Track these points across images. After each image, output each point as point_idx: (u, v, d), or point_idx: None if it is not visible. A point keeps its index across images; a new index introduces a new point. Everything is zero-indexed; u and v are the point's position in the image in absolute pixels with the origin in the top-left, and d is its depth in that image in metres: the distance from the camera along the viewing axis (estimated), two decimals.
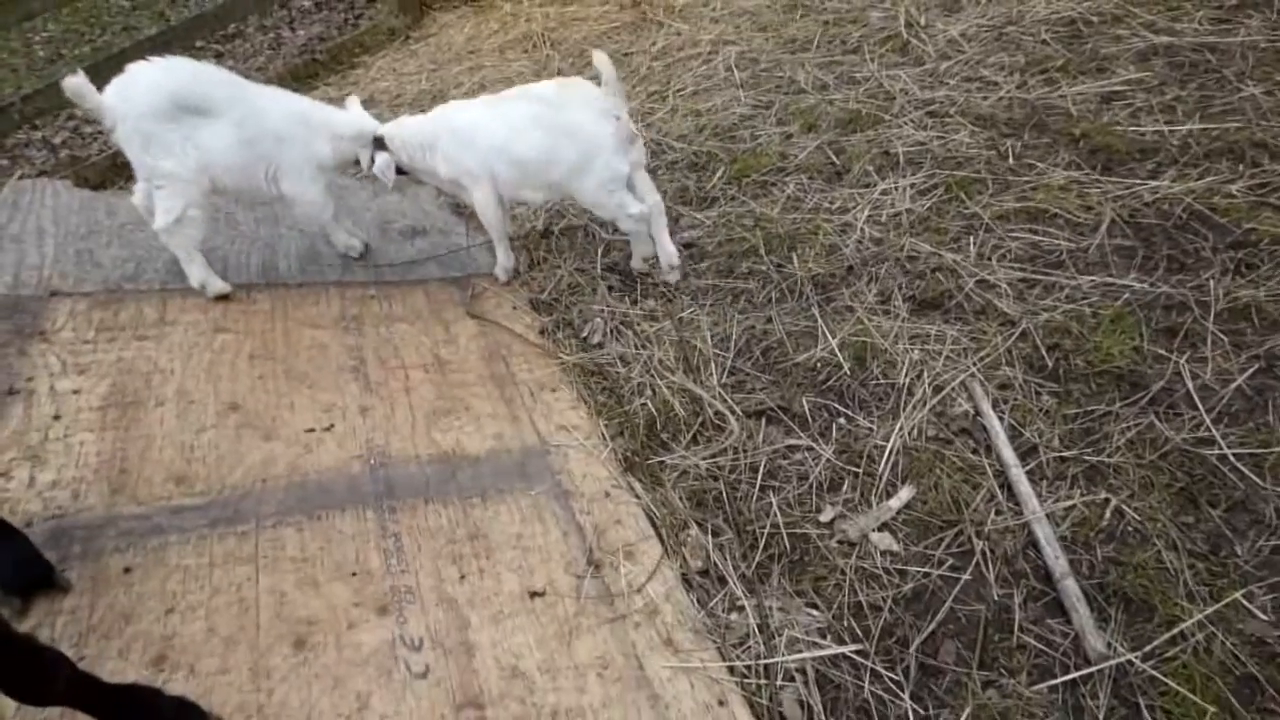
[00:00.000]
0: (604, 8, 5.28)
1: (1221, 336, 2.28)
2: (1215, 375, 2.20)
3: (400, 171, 3.02)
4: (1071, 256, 2.62)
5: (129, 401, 2.45)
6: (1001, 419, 2.22)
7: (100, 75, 5.14)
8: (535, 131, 2.78)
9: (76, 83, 2.51)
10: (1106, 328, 2.36)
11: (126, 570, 1.99)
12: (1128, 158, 2.94)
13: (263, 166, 2.81)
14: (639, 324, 2.85)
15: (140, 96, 2.57)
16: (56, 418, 2.37)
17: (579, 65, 4.67)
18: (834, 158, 3.33)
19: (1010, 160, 3.06)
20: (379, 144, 2.94)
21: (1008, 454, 2.12)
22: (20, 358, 2.54)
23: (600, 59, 2.71)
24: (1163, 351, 2.28)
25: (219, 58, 6.68)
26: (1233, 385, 2.16)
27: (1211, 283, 2.41)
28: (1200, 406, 2.13)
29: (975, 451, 2.17)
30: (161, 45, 5.67)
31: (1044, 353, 2.35)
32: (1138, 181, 2.81)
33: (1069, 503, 2.03)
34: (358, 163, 3.02)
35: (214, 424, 2.41)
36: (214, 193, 2.81)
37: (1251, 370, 2.19)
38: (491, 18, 5.63)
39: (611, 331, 2.87)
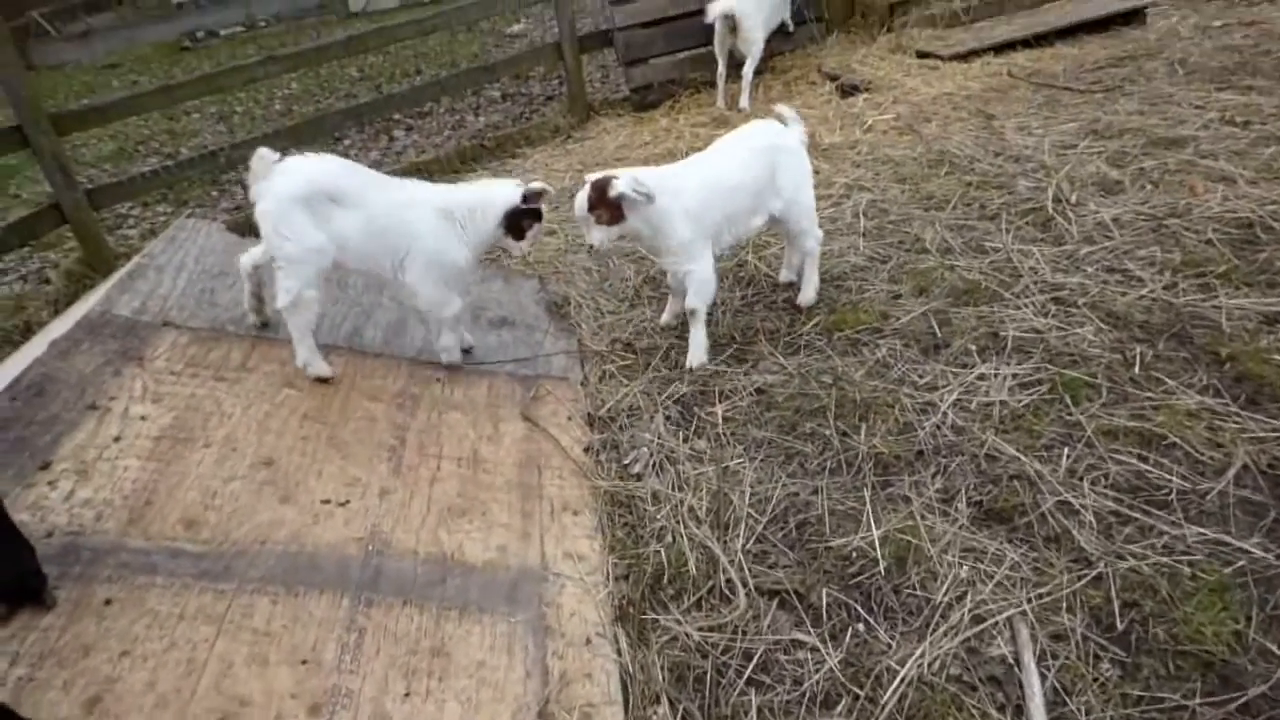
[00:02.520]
0: None
1: None
2: None
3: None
4: (1182, 499, 2.22)
5: (182, 438, 2.57)
6: (1044, 678, 1.85)
7: (302, 135, 5.78)
8: (762, 161, 3.21)
9: (264, 153, 2.80)
10: (1204, 598, 1.94)
11: (107, 602, 2.03)
12: None
13: (389, 258, 2.92)
14: (683, 463, 2.70)
15: (284, 180, 2.77)
16: (117, 439, 2.52)
17: None
18: (937, 328, 3.08)
19: (1135, 369, 2.68)
20: (513, 218, 2.96)
21: None
22: (114, 377, 2.75)
23: (783, 108, 3.41)
24: (1273, 647, 1.84)
25: (408, 130, 7.37)
26: None
27: None
28: None
29: (1001, 709, 1.82)
30: (366, 112, 6.32)
31: (1117, 609, 1.96)
32: None
33: None
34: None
35: (244, 475, 2.48)
36: (338, 271, 2.99)
37: None
38: (647, 129, 5.86)
39: (655, 465, 2.74)
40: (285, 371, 2.94)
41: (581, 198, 2.98)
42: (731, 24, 5.90)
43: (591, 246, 3.03)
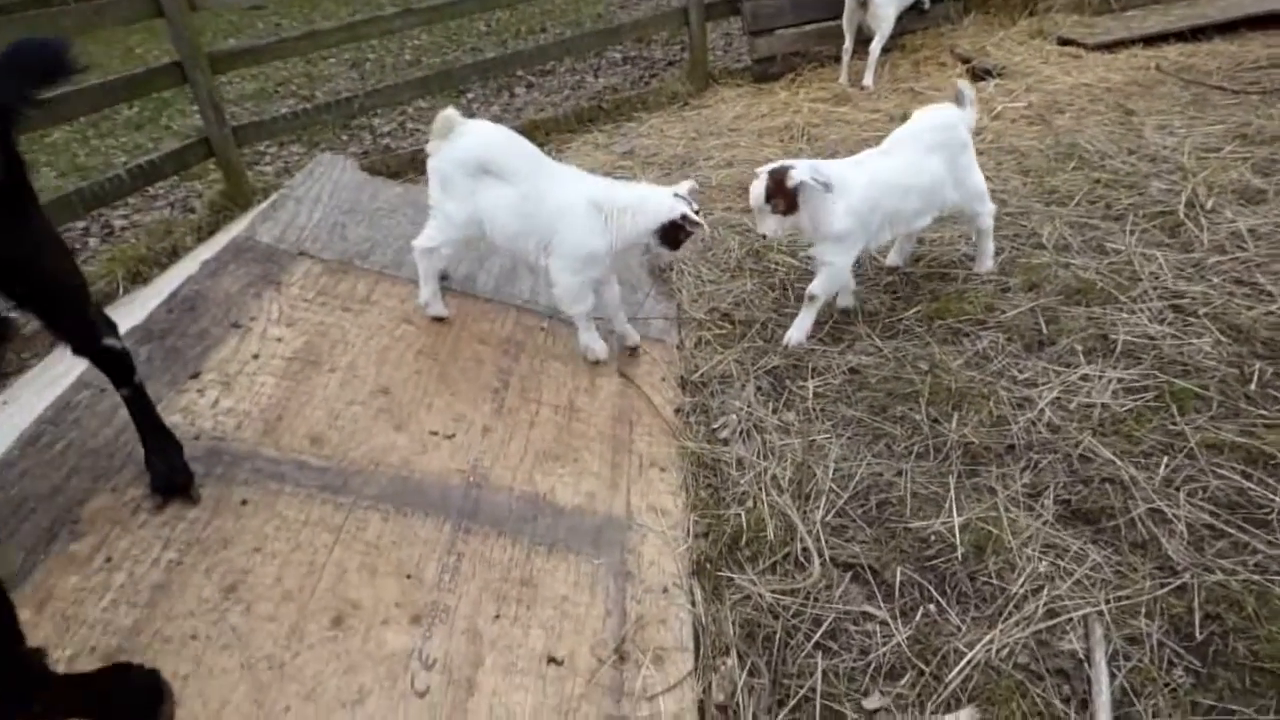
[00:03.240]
0: (871, 115, 5.26)
1: None
2: None
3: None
4: None
5: (311, 360, 2.81)
6: (1114, 677, 1.87)
7: (430, 86, 5.97)
8: (939, 156, 3.16)
9: (449, 113, 2.93)
10: None
11: (243, 502, 2.26)
12: None
13: (534, 239, 2.94)
14: (771, 433, 2.78)
15: (459, 145, 2.91)
16: (255, 356, 2.77)
17: None
18: (1043, 325, 3.02)
19: (1252, 385, 2.58)
20: (668, 231, 2.82)
21: None
22: (255, 299, 3.02)
23: (964, 85, 3.31)
24: None
25: (529, 87, 7.55)
26: None
27: None
28: None
29: (1066, 701, 1.85)
30: (491, 68, 6.51)
31: (1197, 620, 1.94)
32: None
33: None
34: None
35: (363, 401, 2.69)
36: (485, 243, 3.09)
37: None
38: (764, 101, 5.83)
39: (742, 432, 2.82)
40: (404, 308, 3.15)
41: (759, 187, 2.99)
42: None
43: (763, 236, 3.09)
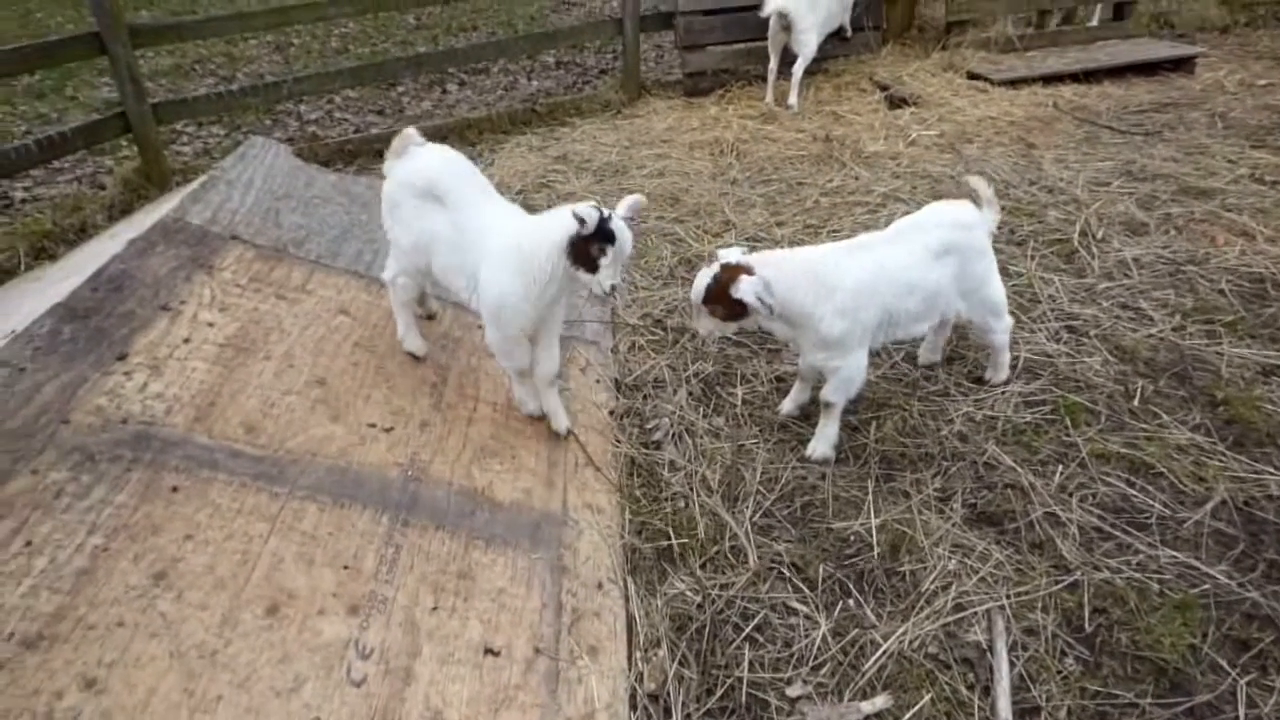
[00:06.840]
0: (797, 135, 5.48)
1: None
2: (1277, 712, 1.93)
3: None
4: (1161, 524, 2.41)
5: (245, 347, 2.75)
6: (1013, 665, 2.05)
7: (361, 76, 5.82)
8: (947, 258, 2.70)
9: (410, 133, 2.79)
10: (1168, 613, 2.13)
11: (174, 489, 2.20)
12: (1266, 440, 2.68)
13: (463, 276, 2.71)
14: (702, 436, 2.89)
15: (407, 168, 2.75)
16: (186, 340, 2.69)
17: (754, 180, 4.86)
18: (954, 341, 3.25)
19: (1135, 401, 2.86)
20: (575, 248, 2.38)
21: (1004, 706, 1.95)
22: (185, 283, 2.93)
23: (978, 183, 2.88)
24: (1224, 662, 2.03)
25: (460, 85, 7.49)
26: None
27: None
28: None
29: (971, 688, 2.02)
30: (425, 62, 6.42)
31: (1087, 614, 2.16)
32: (1269, 470, 2.55)
33: None
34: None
35: (299, 391, 2.66)
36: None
37: None
38: (695, 115, 5.98)
39: (674, 435, 2.92)
40: (340, 299, 3.12)
41: (701, 284, 2.54)
42: (785, 22, 6.00)
43: (695, 334, 2.61)
